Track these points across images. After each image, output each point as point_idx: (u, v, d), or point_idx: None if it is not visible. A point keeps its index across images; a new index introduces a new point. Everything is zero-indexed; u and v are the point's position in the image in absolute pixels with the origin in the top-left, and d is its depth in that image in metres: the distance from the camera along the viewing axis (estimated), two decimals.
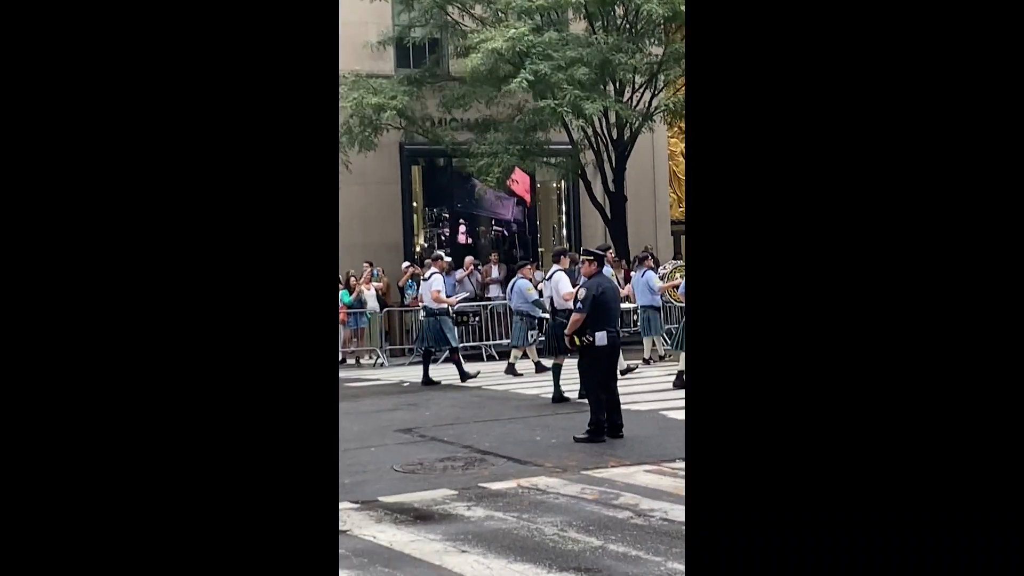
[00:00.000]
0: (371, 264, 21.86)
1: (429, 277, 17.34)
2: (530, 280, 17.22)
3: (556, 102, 20.16)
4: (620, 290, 14.11)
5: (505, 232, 26.37)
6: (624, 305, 15.69)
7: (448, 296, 17.50)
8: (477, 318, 21.00)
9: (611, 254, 16.90)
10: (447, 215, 25.48)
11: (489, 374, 17.45)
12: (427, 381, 16.60)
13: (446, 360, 17.63)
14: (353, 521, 8.04)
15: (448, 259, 19.50)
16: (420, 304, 17.84)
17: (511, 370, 17.14)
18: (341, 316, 21.17)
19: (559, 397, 13.65)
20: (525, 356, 17.32)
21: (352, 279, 21.45)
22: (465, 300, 21.06)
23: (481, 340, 20.61)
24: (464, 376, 16.69)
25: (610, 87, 22.10)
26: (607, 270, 14.99)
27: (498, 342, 20.67)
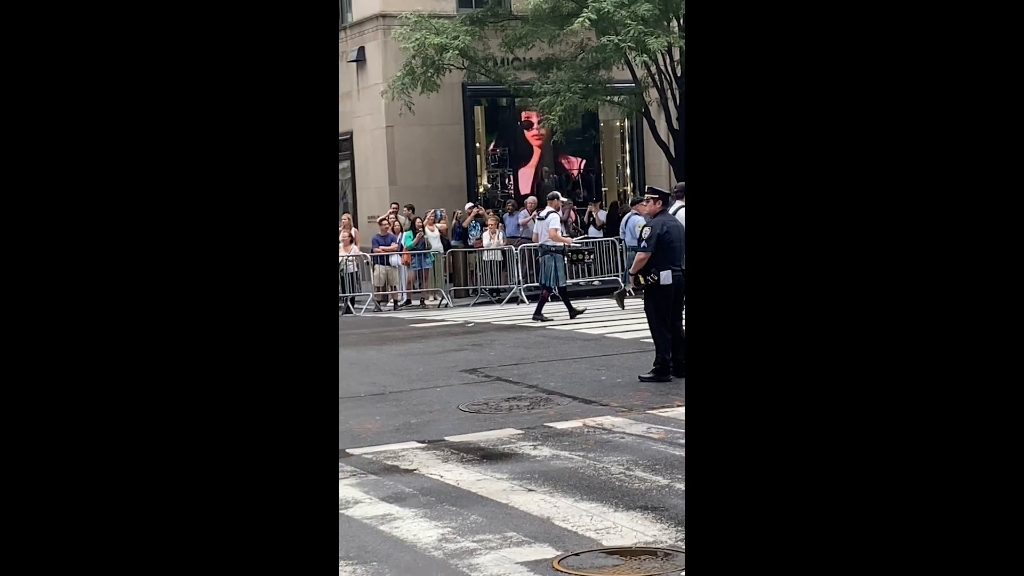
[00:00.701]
0: (412, 209, 21.93)
1: (545, 216, 17.46)
2: (644, 217, 17.22)
3: (619, 39, 19.95)
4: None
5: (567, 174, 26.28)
6: None
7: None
8: (592, 255, 21.07)
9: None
10: (508, 156, 25.37)
11: (552, 314, 17.44)
12: (573, 314, 16.76)
13: (541, 299, 17.59)
14: (420, 460, 8.11)
15: (565, 199, 19.48)
16: (536, 242, 17.95)
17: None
18: (404, 258, 21.26)
19: None
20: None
21: (417, 220, 21.51)
22: (528, 241, 21.06)
23: None
24: (538, 316, 16.77)
25: (674, 23, 21.83)
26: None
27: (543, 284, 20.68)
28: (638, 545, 5.80)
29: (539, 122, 23.63)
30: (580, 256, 20.64)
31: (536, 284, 20.53)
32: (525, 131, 24.69)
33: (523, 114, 24.40)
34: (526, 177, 24.31)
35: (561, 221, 18.26)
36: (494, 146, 25.29)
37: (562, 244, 17.51)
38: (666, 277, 10.82)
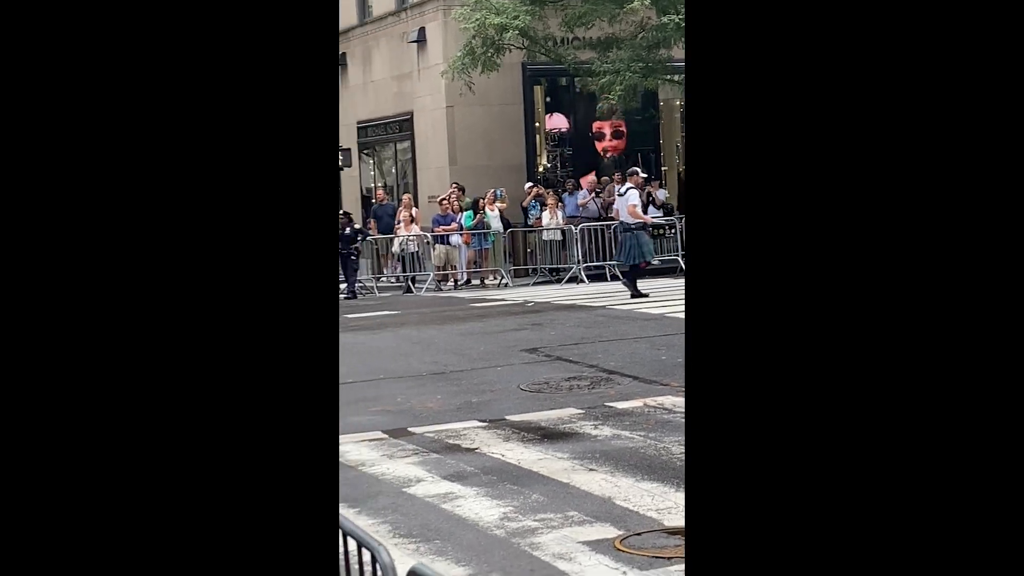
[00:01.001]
0: (463, 190, 22.00)
1: (625, 192, 17.48)
2: None
3: (679, 17, 19.84)
4: None
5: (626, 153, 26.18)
6: None
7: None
8: (673, 231, 21.07)
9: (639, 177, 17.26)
10: (568, 135, 25.30)
11: (612, 294, 17.44)
12: (636, 294, 16.76)
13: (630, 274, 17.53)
14: (481, 439, 8.17)
15: (644, 175, 19.49)
16: (617, 219, 18.00)
17: None
18: (464, 238, 21.32)
19: None
20: None
21: (480, 201, 21.57)
22: (587, 220, 21.05)
23: (605, 260, 20.59)
24: (636, 292, 16.79)
25: None
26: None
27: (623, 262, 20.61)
28: None
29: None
30: (662, 231, 20.63)
31: (596, 264, 20.61)
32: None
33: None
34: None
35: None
36: (553, 117, 25.11)
37: (641, 221, 17.44)
38: None
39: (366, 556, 3.28)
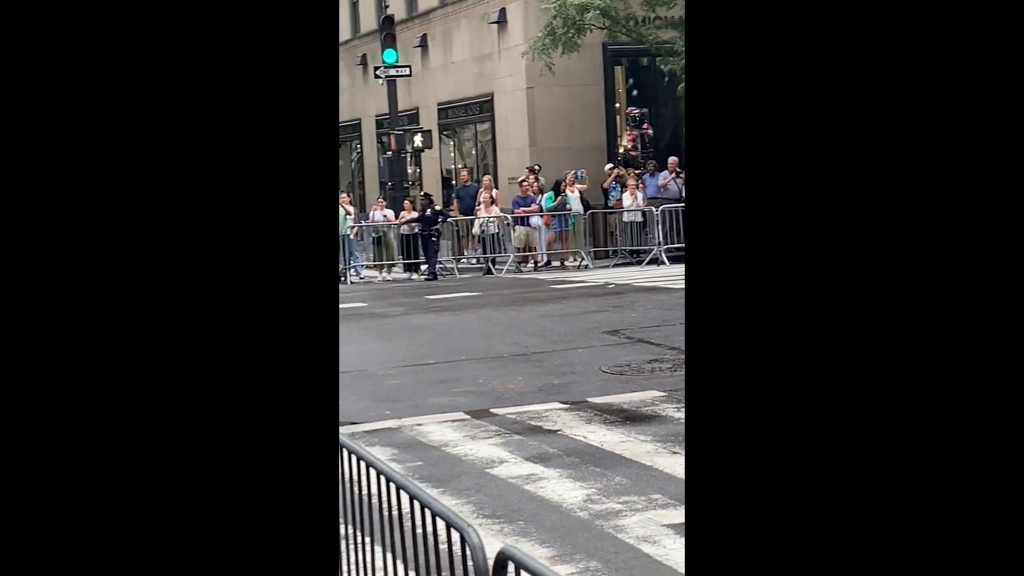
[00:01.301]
0: (533, 172, 21.97)
1: None
2: None
3: None
4: None
5: None
6: None
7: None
8: None
9: None
10: (646, 115, 25.14)
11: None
12: None
13: None
14: (563, 421, 8.17)
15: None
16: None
17: None
18: (545, 219, 21.32)
19: None
20: None
21: (561, 183, 21.54)
22: (668, 201, 20.94)
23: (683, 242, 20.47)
24: None
25: None
26: None
27: None
28: None
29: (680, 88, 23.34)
30: None
31: (676, 245, 20.49)
32: None
33: None
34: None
35: None
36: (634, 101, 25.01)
37: None
38: None
39: (455, 536, 3.30)
